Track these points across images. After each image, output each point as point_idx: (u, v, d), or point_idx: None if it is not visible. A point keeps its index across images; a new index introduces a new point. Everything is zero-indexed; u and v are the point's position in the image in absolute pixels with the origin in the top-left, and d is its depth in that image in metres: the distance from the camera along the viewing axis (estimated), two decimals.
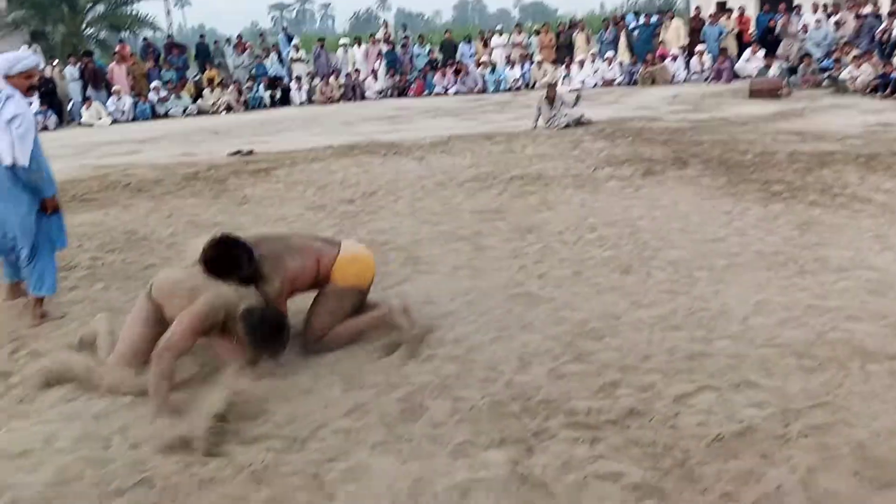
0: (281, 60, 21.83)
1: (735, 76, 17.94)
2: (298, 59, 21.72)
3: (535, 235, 5.79)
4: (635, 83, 19.06)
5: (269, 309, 3.54)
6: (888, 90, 13.07)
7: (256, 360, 3.50)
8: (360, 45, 22.48)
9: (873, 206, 6.00)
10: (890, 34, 16.30)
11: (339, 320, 3.86)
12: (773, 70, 16.52)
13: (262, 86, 20.13)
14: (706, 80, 18.30)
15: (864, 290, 4.27)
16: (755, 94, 14.22)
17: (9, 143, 4.15)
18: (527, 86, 19.87)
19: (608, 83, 19.32)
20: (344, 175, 8.77)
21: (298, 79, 20.69)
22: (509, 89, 19.91)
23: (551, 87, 11.72)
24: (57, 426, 3.22)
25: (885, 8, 18.69)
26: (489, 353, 3.72)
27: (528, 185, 7.57)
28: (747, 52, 18.41)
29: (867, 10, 18.38)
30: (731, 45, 19.23)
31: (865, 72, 14.01)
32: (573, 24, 22.87)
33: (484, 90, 20.03)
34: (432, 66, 21.28)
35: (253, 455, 2.90)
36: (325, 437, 3.03)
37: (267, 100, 19.91)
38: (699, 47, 19.04)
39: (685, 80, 18.82)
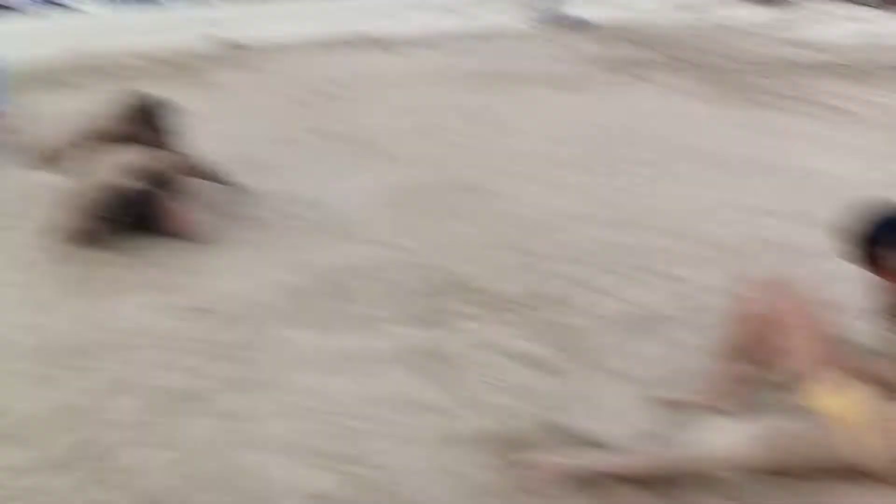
0: None
1: None
2: None
3: (507, 133, 5.70)
4: None
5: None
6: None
7: None
8: None
9: (852, 118, 5.87)
10: None
11: None
12: None
13: None
14: None
15: (818, 195, 4.21)
16: None
17: None
18: None
19: None
20: (325, 68, 8.57)
21: None
22: None
23: None
24: None
25: None
26: (419, 240, 3.71)
27: (513, 86, 7.39)
28: None
29: None
30: None
31: None
32: None
33: None
34: None
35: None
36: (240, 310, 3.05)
37: None
38: None
39: None
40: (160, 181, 3.72)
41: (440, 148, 5.34)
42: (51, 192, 3.90)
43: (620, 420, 2.26)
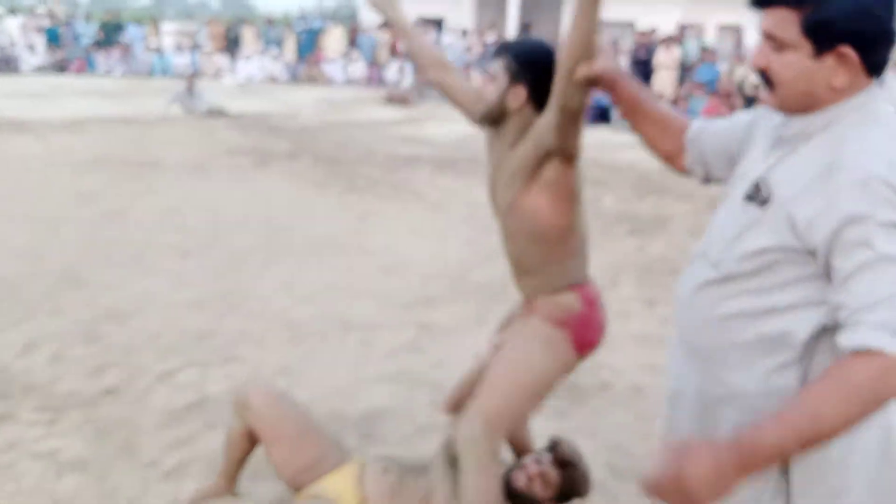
0: None
1: (382, 83, 18.74)
2: None
3: (124, 219, 5.48)
4: (296, 81, 19.08)
5: None
6: None
7: None
8: (16, 16, 19.67)
9: (425, 201, 6.59)
10: None
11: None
12: (409, 81, 17.56)
13: None
14: (358, 84, 18.88)
15: (379, 272, 4.65)
16: (390, 100, 14.98)
17: None
18: (195, 73, 18.87)
19: (272, 79, 19.10)
20: None
21: None
22: (176, 76, 18.76)
23: (192, 76, 11.26)
24: None
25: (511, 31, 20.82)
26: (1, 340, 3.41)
27: (141, 170, 7.16)
28: (393, 62, 19.36)
29: (491, 38, 20.32)
30: (384, 56, 20.08)
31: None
32: (243, 20, 22.26)
33: (150, 74, 18.67)
34: (98, 44, 19.33)
35: None
36: None
37: None
38: (355, 54, 19.61)
39: (341, 83, 19.25)
40: None
41: (44, 235, 4.98)
42: None
43: None
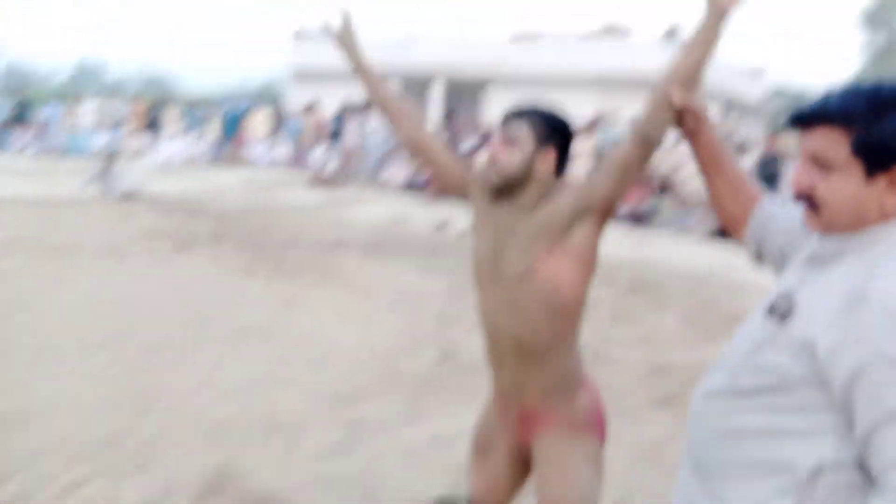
0: None
1: (307, 166, 18.75)
2: None
3: (28, 309, 5.13)
4: (219, 163, 18.88)
5: None
6: (416, 188, 14.75)
7: None
8: None
9: (353, 286, 6.49)
10: None
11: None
12: (335, 163, 17.66)
13: None
14: (282, 166, 18.83)
15: (307, 363, 4.48)
16: (315, 183, 14.97)
17: None
18: (113, 153, 18.41)
19: (194, 160, 18.83)
20: None
21: None
22: (94, 155, 18.26)
23: (110, 156, 10.99)
24: None
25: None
26: None
27: (53, 254, 6.79)
28: (318, 146, 19.46)
29: None
30: (309, 139, 20.18)
31: (401, 174, 15.66)
32: (166, 100, 22.09)
33: (67, 153, 18.11)
34: (13, 121, 18.70)
35: None
36: None
37: None
38: (280, 137, 19.64)
39: (265, 165, 19.15)
40: None
41: None
42: None
43: None
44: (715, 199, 1.62)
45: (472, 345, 5.09)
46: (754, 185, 1.59)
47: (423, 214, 11.76)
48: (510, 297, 1.77)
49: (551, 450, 1.80)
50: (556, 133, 1.80)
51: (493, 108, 19.26)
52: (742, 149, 12.01)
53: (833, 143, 1.18)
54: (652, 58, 19.17)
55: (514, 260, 1.77)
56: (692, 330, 5.84)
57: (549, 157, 1.79)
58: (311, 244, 8.37)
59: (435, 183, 2.02)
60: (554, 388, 1.79)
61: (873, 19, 37.28)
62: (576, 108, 17.76)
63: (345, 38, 2.07)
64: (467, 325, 5.57)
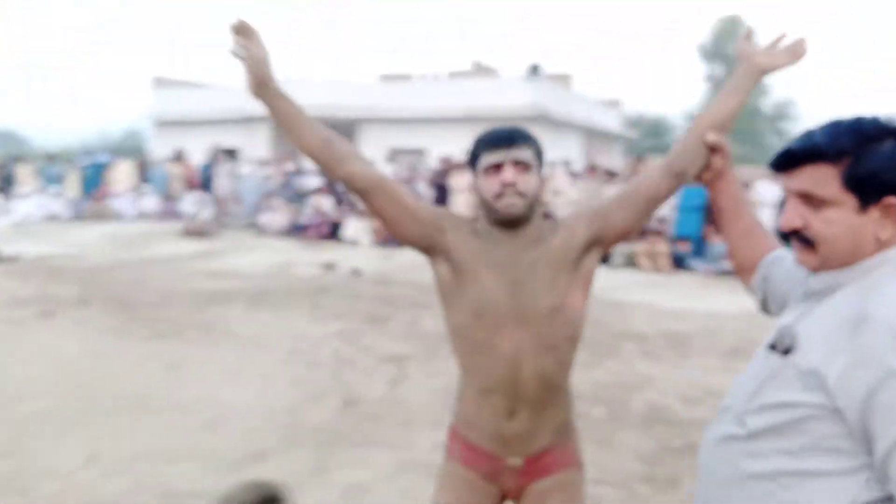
0: None
1: (178, 216, 17.96)
2: None
3: None
4: (82, 218, 17.73)
5: None
6: (296, 232, 14.44)
7: None
8: None
9: (242, 341, 6.20)
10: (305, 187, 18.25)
11: None
12: (208, 212, 17.02)
13: None
14: (151, 219, 17.95)
15: (200, 428, 4.21)
16: (188, 233, 14.34)
17: None
18: None
19: (53, 217, 17.59)
20: None
21: None
22: None
23: None
24: None
25: (306, 165, 21.01)
26: None
27: None
28: (189, 195, 18.71)
29: (291, 167, 20.42)
30: (178, 188, 19.36)
31: (281, 218, 15.30)
32: (18, 158, 20.59)
33: None
34: None
35: None
36: None
37: None
38: (146, 188, 18.75)
39: (132, 218, 18.18)
40: None
41: None
42: None
43: None
44: (731, 247, 1.65)
45: (375, 389, 4.97)
46: (769, 237, 1.62)
47: (308, 257, 11.51)
48: (539, 333, 1.65)
49: (566, 490, 1.73)
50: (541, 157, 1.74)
51: (368, 148, 19.27)
52: (611, 175, 12.60)
53: (823, 179, 1.20)
54: (517, 94, 19.94)
55: (540, 295, 1.65)
56: (583, 350, 5.99)
57: (542, 183, 1.72)
58: (190, 299, 7.94)
59: (388, 228, 1.74)
60: (564, 423, 1.74)
61: (709, 53, 40.72)
62: (446, 145, 18.12)
63: (256, 55, 1.69)
64: (366, 368, 5.44)
